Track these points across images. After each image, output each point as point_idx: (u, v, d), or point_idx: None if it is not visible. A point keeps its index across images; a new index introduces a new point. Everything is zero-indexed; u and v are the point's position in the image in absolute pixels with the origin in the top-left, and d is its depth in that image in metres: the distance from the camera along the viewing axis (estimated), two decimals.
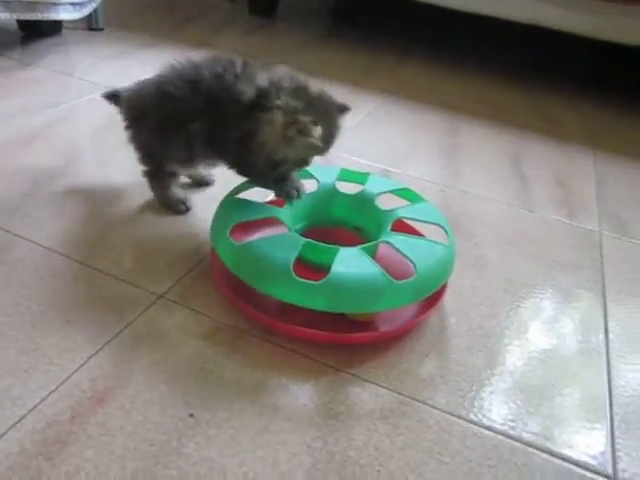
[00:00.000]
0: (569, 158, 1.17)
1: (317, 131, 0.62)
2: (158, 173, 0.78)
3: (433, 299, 0.63)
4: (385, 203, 0.73)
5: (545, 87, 1.59)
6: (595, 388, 0.61)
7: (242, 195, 0.69)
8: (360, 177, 0.75)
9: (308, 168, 0.74)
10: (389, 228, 0.65)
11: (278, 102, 0.62)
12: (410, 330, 0.63)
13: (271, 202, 0.70)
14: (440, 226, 0.67)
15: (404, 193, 0.73)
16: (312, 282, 0.55)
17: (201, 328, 0.61)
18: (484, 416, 0.56)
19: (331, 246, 0.60)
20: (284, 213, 0.65)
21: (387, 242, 0.62)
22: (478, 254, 0.81)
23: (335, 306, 0.56)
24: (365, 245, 0.61)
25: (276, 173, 0.66)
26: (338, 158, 0.97)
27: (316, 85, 0.67)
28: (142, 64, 1.34)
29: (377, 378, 0.58)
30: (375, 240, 0.64)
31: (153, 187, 0.80)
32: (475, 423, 0.55)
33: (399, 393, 0.57)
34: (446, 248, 0.63)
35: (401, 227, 0.66)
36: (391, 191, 0.73)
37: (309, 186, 0.71)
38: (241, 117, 0.63)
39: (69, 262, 0.68)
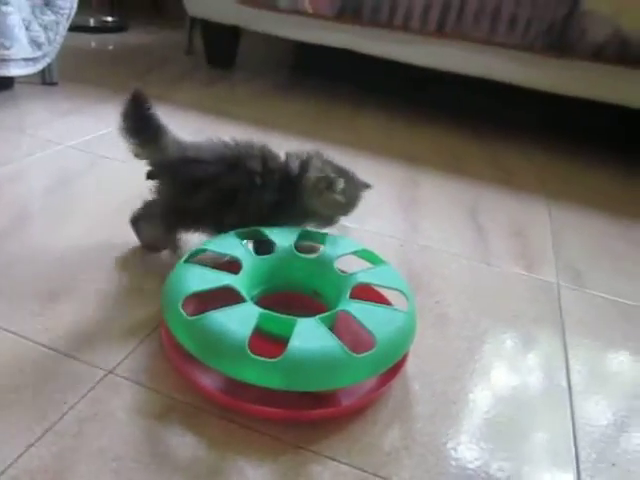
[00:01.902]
0: (525, 207, 1.20)
1: (341, 184, 0.76)
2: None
3: (395, 368, 0.62)
4: (345, 265, 0.72)
5: (499, 136, 1.64)
6: (561, 435, 0.60)
7: (196, 260, 0.66)
8: (319, 238, 0.74)
9: (266, 231, 0.73)
10: (348, 294, 0.63)
11: (314, 165, 0.78)
12: (373, 401, 0.61)
13: (225, 266, 0.68)
14: (400, 291, 0.66)
15: (364, 254, 0.72)
16: (268, 360, 0.52)
17: (152, 407, 0.58)
18: None
19: (289, 317, 0.58)
20: (239, 280, 0.63)
21: (345, 311, 0.60)
22: (439, 313, 0.80)
23: (292, 385, 0.54)
24: (323, 315, 0.59)
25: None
26: None
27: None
28: (97, 119, 1.32)
29: (339, 454, 0.55)
30: (334, 307, 0.63)
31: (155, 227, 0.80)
32: None
33: (361, 470, 0.54)
34: (406, 315, 0.62)
35: (361, 292, 0.65)
36: (350, 253, 0.72)
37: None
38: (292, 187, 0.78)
39: (6, 335, 0.64)
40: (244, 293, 0.61)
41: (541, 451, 0.60)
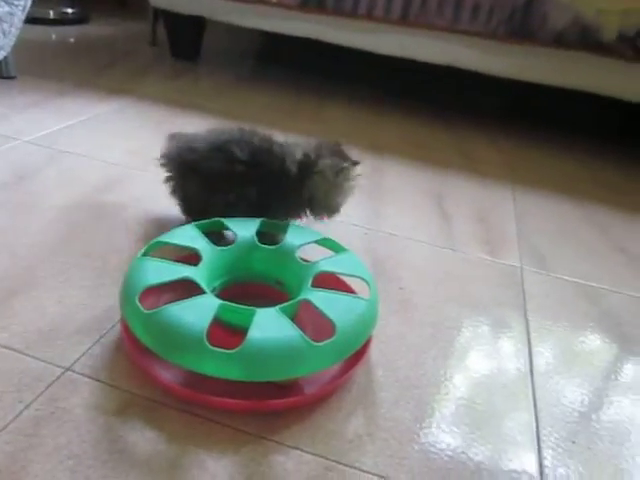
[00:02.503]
0: (490, 194, 1.21)
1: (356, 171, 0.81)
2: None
3: (358, 355, 0.62)
4: (307, 254, 0.71)
5: (466, 124, 1.65)
6: (523, 416, 0.61)
7: (154, 254, 0.65)
8: (280, 227, 0.73)
9: (226, 221, 0.72)
10: (310, 283, 0.63)
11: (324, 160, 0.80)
12: (336, 389, 0.61)
13: (184, 259, 0.67)
14: (362, 278, 0.66)
15: (326, 243, 0.72)
16: (226, 351, 0.52)
17: (111, 403, 0.57)
18: (414, 476, 0.54)
19: (247, 308, 0.57)
20: (199, 272, 0.63)
21: (307, 300, 0.60)
22: (403, 299, 0.80)
23: (252, 375, 0.53)
24: (283, 305, 0.58)
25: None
26: None
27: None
28: (57, 113, 1.29)
29: (302, 443, 0.55)
30: (296, 296, 0.62)
31: None
32: None
33: (325, 458, 0.54)
34: (367, 302, 0.62)
35: (323, 281, 0.64)
36: (312, 242, 0.71)
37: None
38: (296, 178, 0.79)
39: None
40: (203, 285, 0.61)
41: (503, 432, 0.60)
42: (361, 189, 1.12)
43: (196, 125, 1.33)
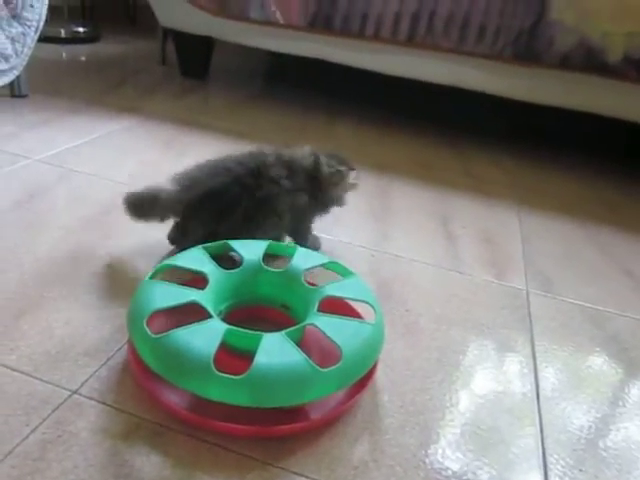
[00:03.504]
0: (495, 215, 1.21)
1: (353, 174, 0.90)
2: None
3: (364, 380, 0.62)
4: (314, 278, 0.72)
5: (471, 144, 1.66)
6: (530, 442, 0.60)
7: (162, 277, 0.66)
8: (288, 250, 0.74)
9: (233, 244, 0.73)
10: (316, 308, 0.63)
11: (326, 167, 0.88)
12: (342, 414, 0.61)
13: (191, 282, 0.68)
14: (368, 303, 0.66)
15: (333, 267, 0.73)
16: (233, 377, 0.52)
17: (117, 426, 0.57)
18: None
19: (254, 333, 0.57)
20: (205, 296, 0.63)
21: (313, 324, 0.60)
22: (409, 322, 0.80)
23: (259, 401, 0.53)
24: (290, 329, 0.59)
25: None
26: None
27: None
28: (68, 131, 1.31)
29: (307, 469, 0.55)
30: (303, 320, 0.63)
31: None
32: None
33: None
34: (373, 327, 0.62)
35: (329, 305, 0.65)
36: (319, 265, 0.72)
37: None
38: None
39: None
40: (210, 309, 0.61)
41: (509, 459, 0.60)
42: (367, 210, 1.14)
43: (205, 143, 1.35)
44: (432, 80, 1.51)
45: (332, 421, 0.60)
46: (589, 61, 1.37)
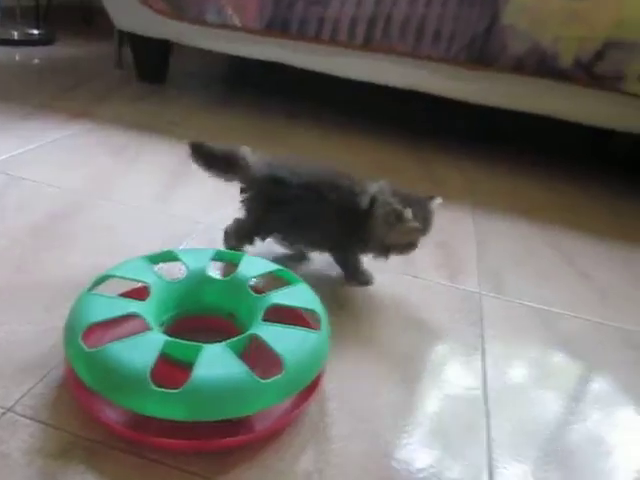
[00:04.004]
0: (450, 217, 1.22)
1: (409, 213, 0.79)
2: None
3: (310, 389, 0.61)
4: (261, 286, 0.71)
5: (432, 148, 1.67)
6: (476, 444, 0.60)
7: (100, 289, 0.64)
8: (234, 258, 0.72)
9: (177, 253, 0.71)
10: (261, 317, 0.62)
11: (380, 200, 0.82)
12: (287, 425, 0.60)
13: (133, 293, 0.66)
14: (314, 311, 0.65)
15: (280, 274, 0.72)
16: (169, 391, 0.50)
17: (52, 445, 0.55)
18: None
19: (193, 344, 0.56)
20: (147, 307, 0.61)
21: (255, 335, 0.59)
22: (360, 329, 0.80)
23: (197, 415, 0.52)
24: (231, 340, 0.57)
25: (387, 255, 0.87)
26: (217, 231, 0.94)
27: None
28: (16, 137, 1.28)
29: None
30: (248, 329, 0.61)
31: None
32: None
33: None
34: (319, 336, 0.61)
35: (275, 313, 0.64)
36: (266, 273, 0.71)
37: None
38: (361, 219, 0.83)
39: None
40: (151, 320, 0.59)
41: (458, 463, 0.60)
42: None
43: (160, 151, 1.33)
44: (389, 83, 1.51)
45: (277, 432, 0.59)
46: (541, 65, 1.39)
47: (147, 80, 1.89)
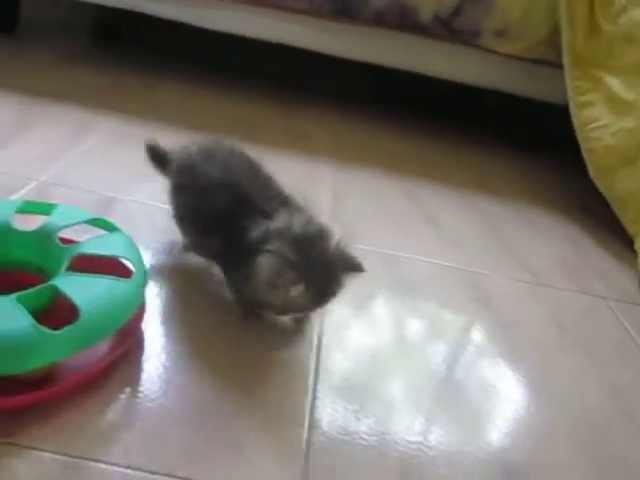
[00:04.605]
0: (312, 172, 1.21)
1: (297, 290, 0.60)
2: None
3: (121, 340, 0.58)
4: (74, 236, 0.66)
5: (298, 102, 1.65)
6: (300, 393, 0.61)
7: None
8: (45, 209, 0.67)
9: None
10: (65, 267, 0.58)
11: (274, 247, 0.61)
12: (91, 379, 0.57)
13: None
14: (126, 259, 0.62)
15: (96, 223, 0.67)
16: None
17: None
18: (166, 464, 0.51)
19: None
20: None
21: (54, 285, 0.55)
22: (192, 280, 0.77)
23: None
24: (21, 293, 0.53)
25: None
26: (60, 188, 0.88)
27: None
28: None
29: (43, 442, 0.50)
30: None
31: None
32: (155, 472, 0.50)
33: (66, 455, 0.50)
34: (128, 284, 0.58)
35: (82, 263, 0.59)
36: (80, 222, 0.66)
37: None
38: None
39: None
40: None
41: (277, 411, 0.60)
42: None
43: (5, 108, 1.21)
44: (252, 35, 1.46)
45: (80, 387, 0.56)
46: (402, 19, 1.40)
47: None
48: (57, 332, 0.50)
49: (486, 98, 1.82)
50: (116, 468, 0.50)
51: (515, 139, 1.71)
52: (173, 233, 0.79)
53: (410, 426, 0.61)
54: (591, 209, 1.29)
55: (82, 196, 0.90)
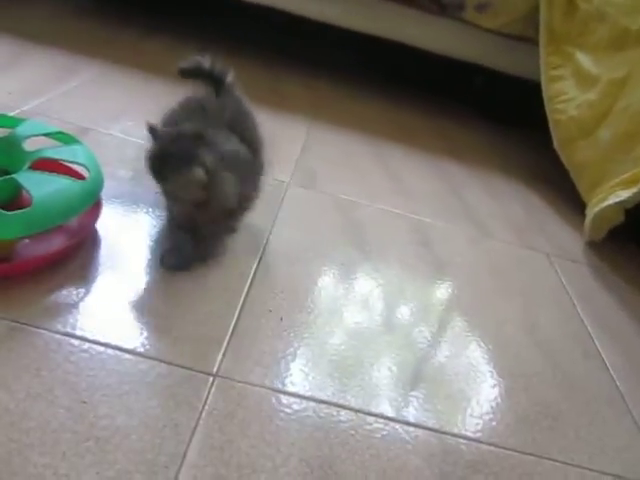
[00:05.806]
0: (287, 127, 1.27)
1: (199, 172, 0.63)
2: None
3: (75, 234, 0.65)
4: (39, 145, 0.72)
5: (281, 66, 1.69)
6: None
7: None
8: (13, 122, 0.73)
9: None
10: (27, 166, 0.65)
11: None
12: (51, 262, 0.64)
13: None
14: (83, 165, 0.68)
15: (59, 136, 0.73)
16: None
17: None
18: (93, 331, 0.58)
19: None
20: None
21: (13, 179, 0.61)
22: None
23: None
24: None
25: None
26: (39, 117, 0.94)
27: None
28: None
29: None
30: None
31: None
32: (91, 341, 0.57)
33: (14, 321, 0.57)
34: (82, 184, 0.65)
35: (43, 165, 0.66)
36: (44, 134, 0.73)
37: None
38: None
39: None
40: None
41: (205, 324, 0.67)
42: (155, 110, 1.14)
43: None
44: None
45: (38, 270, 0.63)
46: None
47: None
48: (10, 213, 0.57)
49: (474, 78, 1.86)
50: (56, 335, 0.57)
51: (495, 115, 1.75)
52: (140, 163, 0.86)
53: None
54: (553, 181, 1.35)
55: (59, 125, 0.96)
